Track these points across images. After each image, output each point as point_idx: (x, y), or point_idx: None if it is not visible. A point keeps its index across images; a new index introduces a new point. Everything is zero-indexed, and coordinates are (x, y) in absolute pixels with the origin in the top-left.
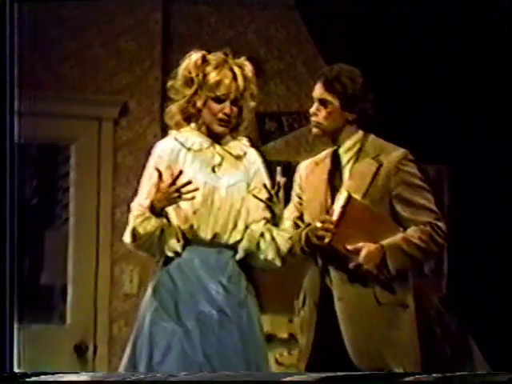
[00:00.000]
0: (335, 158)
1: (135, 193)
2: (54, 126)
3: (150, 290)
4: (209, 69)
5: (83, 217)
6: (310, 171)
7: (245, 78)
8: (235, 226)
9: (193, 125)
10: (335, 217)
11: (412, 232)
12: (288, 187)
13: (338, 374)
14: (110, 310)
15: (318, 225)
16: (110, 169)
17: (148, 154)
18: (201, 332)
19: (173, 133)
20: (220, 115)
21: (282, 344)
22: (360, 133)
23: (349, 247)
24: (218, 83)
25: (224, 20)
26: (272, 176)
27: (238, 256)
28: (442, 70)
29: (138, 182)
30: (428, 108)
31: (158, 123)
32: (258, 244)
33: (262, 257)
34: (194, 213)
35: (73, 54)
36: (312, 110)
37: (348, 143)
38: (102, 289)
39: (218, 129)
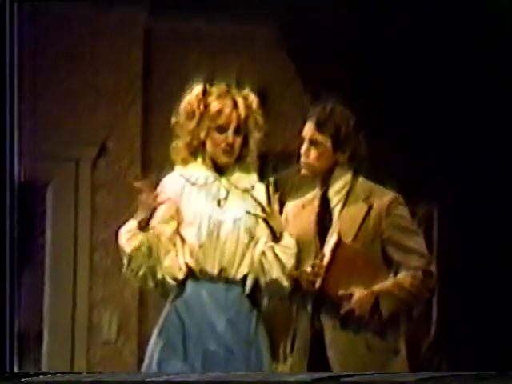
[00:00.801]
0: (324, 201)
1: (115, 235)
2: (30, 166)
3: (157, 327)
4: (210, 99)
5: (60, 259)
6: (297, 212)
7: (247, 107)
8: (242, 259)
9: (199, 159)
10: (326, 261)
11: (403, 277)
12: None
13: (338, 374)
14: (88, 357)
15: (309, 269)
16: (88, 210)
17: (129, 195)
18: (206, 371)
19: (178, 168)
20: (223, 145)
21: None
22: (349, 174)
23: (340, 292)
24: (219, 112)
25: (206, 57)
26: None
27: (247, 288)
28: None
29: (118, 224)
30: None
31: (138, 164)
32: (261, 266)
33: (267, 279)
34: (200, 247)
35: (49, 89)
36: (302, 150)
37: (337, 185)
38: (79, 335)
39: (223, 159)
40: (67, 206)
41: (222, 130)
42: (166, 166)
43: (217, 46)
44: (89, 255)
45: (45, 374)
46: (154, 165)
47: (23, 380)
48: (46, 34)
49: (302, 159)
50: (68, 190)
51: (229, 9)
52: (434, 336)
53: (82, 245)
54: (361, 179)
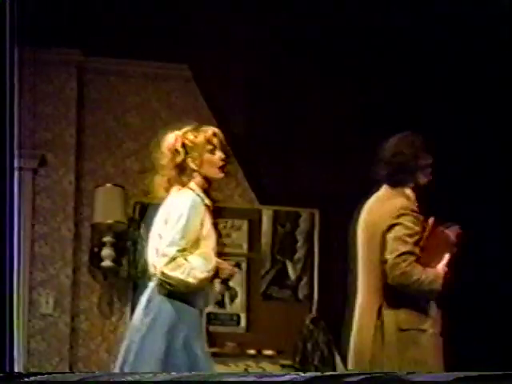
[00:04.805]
0: None
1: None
2: None
3: None
4: (190, 136)
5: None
6: None
7: (216, 133)
8: None
9: (193, 185)
10: None
11: None
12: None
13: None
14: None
15: None
16: (30, 209)
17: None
18: None
19: (193, 189)
20: (220, 163)
21: None
22: None
23: None
24: (207, 139)
25: (131, 88)
26: None
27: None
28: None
29: (55, 221)
30: None
31: (72, 173)
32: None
33: None
34: None
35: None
36: None
37: None
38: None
39: (220, 175)
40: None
41: (213, 151)
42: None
43: (140, 80)
44: (30, 245)
45: (44, 374)
46: (85, 174)
47: (23, 380)
48: None
49: None
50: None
51: (150, 49)
52: (316, 314)
53: (25, 237)
54: None
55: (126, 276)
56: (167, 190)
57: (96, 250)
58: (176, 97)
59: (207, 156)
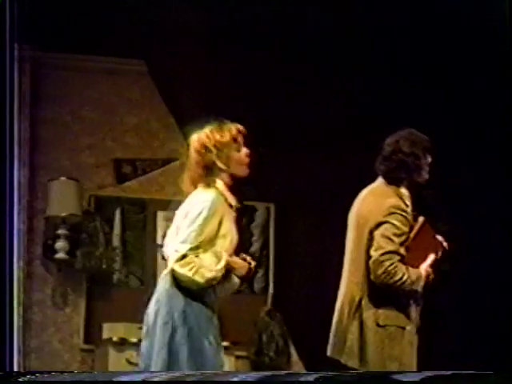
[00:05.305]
0: None
1: None
2: None
3: None
4: (216, 135)
5: None
6: None
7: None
8: None
9: (219, 183)
10: None
11: None
12: None
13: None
14: None
15: None
16: None
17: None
18: None
19: (218, 187)
20: (246, 160)
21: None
22: None
23: None
24: (233, 137)
25: (87, 83)
26: None
27: None
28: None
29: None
30: None
31: (27, 166)
32: None
33: None
34: None
35: None
36: None
37: None
38: None
39: (246, 172)
40: None
41: (238, 149)
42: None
43: (96, 75)
44: None
45: (41, 372)
46: (39, 168)
47: (22, 380)
48: None
49: None
50: None
51: (106, 44)
52: (271, 307)
53: None
54: None
55: (81, 268)
56: (194, 187)
57: (50, 242)
58: (132, 91)
59: (234, 154)
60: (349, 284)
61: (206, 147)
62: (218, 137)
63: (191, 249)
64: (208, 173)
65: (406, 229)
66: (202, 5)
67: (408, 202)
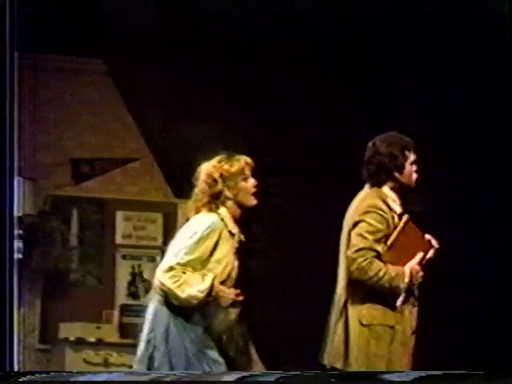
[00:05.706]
0: None
1: None
2: None
3: None
4: (225, 166)
5: None
6: None
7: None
8: None
9: (223, 210)
10: None
11: None
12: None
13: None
14: None
15: None
16: None
17: None
18: None
19: (221, 213)
20: (253, 189)
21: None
22: None
23: None
24: (241, 168)
25: (44, 82)
26: None
27: None
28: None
29: None
30: None
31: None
32: None
33: None
34: None
35: None
36: None
37: None
38: None
39: (254, 201)
40: None
41: (246, 179)
42: None
43: (53, 74)
44: None
45: (40, 372)
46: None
47: (22, 380)
48: None
49: None
50: None
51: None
52: None
53: None
54: None
55: (37, 268)
56: (197, 213)
57: None
58: (90, 91)
59: (242, 184)
60: (339, 287)
61: (213, 177)
62: (226, 167)
63: (179, 263)
64: (214, 200)
65: (382, 226)
66: (163, 4)
67: (391, 203)
